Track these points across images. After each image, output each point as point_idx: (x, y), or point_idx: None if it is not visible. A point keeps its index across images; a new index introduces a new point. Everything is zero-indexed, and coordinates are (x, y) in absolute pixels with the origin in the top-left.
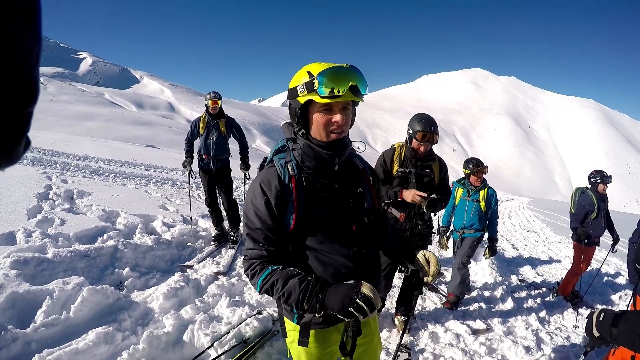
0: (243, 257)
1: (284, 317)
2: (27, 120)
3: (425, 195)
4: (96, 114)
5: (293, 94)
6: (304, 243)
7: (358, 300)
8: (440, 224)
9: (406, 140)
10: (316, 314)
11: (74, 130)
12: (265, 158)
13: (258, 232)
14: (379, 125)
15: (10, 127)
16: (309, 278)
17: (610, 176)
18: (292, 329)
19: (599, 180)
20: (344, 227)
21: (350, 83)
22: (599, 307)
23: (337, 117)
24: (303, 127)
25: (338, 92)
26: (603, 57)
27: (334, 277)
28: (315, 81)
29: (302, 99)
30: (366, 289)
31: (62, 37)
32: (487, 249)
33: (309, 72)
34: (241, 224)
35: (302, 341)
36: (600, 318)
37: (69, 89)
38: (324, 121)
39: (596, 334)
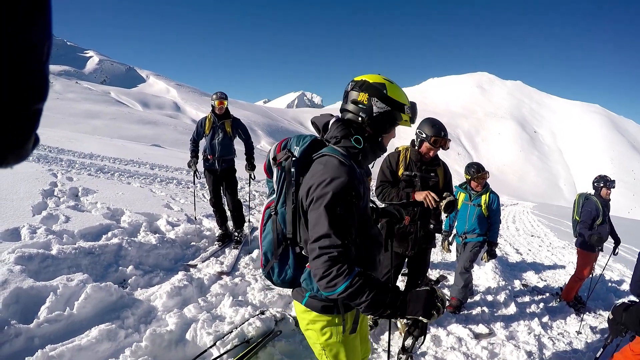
0: (321, 255)
1: (317, 319)
2: (36, 117)
3: (437, 198)
4: (102, 113)
5: (399, 107)
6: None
7: (438, 304)
8: (443, 227)
9: (412, 143)
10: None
11: (80, 128)
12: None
13: (346, 229)
14: None
15: (19, 124)
16: (387, 286)
17: (614, 181)
18: (329, 323)
19: (602, 185)
20: (371, 217)
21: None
22: (602, 313)
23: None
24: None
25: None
26: (609, 62)
27: (370, 259)
28: (409, 112)
29: (405, 117)
30: (440, 293)
31: (69, 36)
32: (486, 253)
33: (405, 98)
34: (245, 224)
35: (354, 327)
36: (617, 305)
37: (75, 87)
38: (392, 135)
39: (610, 316)
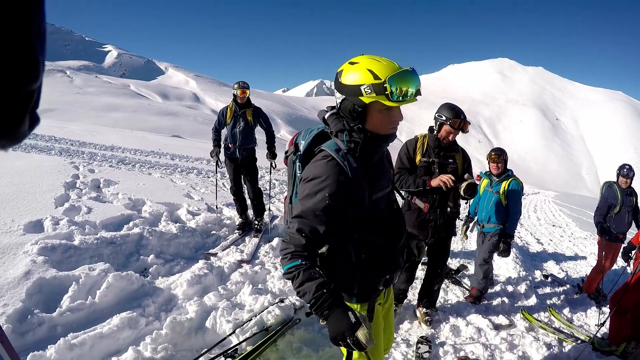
0: (285, 236)
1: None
2: (29, 99)
3: (453, 179)
4: (122, 105)
5: (354, 91)
6: (366, 227)
7: (348, 341)
8: (468, 214)
9: (430, 129)
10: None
11: (101, 122)
12: (312, 148)
13: (313, 222)
14: (404, 116)
15: (9, 106)
16: (325, 290)
17: (631, 169)
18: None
19: (618, 173)
20: (391, 207)
21: (417, 88)
22: None
23: (397, 116)
24: (361, 122)
25: (406, 96)
26: (633, 48)
27: (387, 250)
28: (387, 86)
29: (367, 99)
30: (362, 335)
31: (87, 31)
32: (501, 245)
33: (372, 73)
34: (265, 212)
35: (369, 317)
36: None
37: (95, 81)
38: (386, 119)
39: None
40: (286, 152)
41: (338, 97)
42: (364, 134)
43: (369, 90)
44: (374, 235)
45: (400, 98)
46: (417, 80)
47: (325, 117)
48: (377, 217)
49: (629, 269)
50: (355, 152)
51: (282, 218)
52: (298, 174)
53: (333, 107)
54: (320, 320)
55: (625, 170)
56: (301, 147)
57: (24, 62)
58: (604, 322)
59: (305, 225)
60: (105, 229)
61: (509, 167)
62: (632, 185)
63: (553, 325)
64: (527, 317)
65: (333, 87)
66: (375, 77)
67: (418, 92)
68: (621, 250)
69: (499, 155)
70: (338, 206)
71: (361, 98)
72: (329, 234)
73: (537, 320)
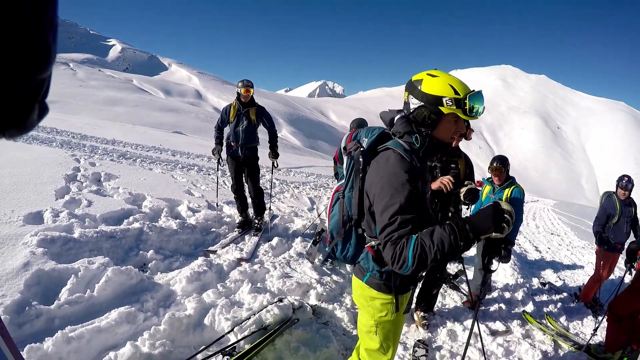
0: (386, 244)
1: (376, 297)
2: (39, 87)
3: (453, 181)
4: (124, 100)
5: (435, 101)
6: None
7: (506, 215)
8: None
9: None
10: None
11: (103, 115)
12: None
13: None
14: None
15: (19, 94)
16: (447, 223)
17: (629, 181)
18: (387, 302)
19: (617, 184)
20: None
21: (483, 107)
22: None
23: (461, 129)
24: (431, 129)
25: (477, 113)
26: (635, 58)
27: None
28: (467, 102)
29: (446, 110)
30: (505, 205)
31: (92, 25)
32: (501, 250)
33: (453, 88)
34: (266, 212)
35: (407, 308)
36: None
37: (98, 74)
38: (453, 129)
39: None
40: (344, 147)
41: (414, 104)
42: (429, 139)
43: (450, 103)
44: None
45: (472, 114)
46: (483, 101)
47: (395, 118)
48: (421, 216)
49: (629, 277)
50: (418, 154)
51: (281, 217)
52: (360, 168)
53: (400, 110)
54: (472, 241)
55: (624, 182)
56: (365, 144)
57: (37, 50)
58: (596, 328)
59: (401, 223)
60: (105, 223)
61: (510, 174)
62: (631, 196)
63: (552, 331)
64: (528, 319)
65: (406, 93)
66: (456, 92)
67: (483, 111)
68: (625, 255)
69: (501, 169)
70: (417, 197)
71: (441, 108)
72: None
73: (538, 322)
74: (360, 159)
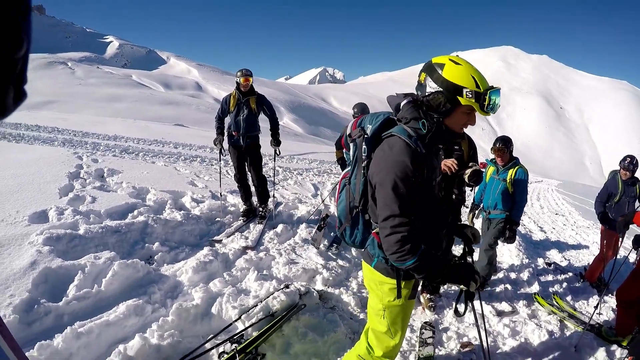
0: (393, 234)
1: (385, 281)
2: (12, 68)
3: (457, 165)
4: (124, 96)
5: (455, 89)
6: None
7: (476, 276)
8: (474, 200)
9: None
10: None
11: (103, 112)
12: (382, 132)
13: (411, 207)
14: None
15: None
16: (441, 259)
17: (631, 161)
18: (395, 287)
19: (619, 164)
20: (438, 196)
21: (499, 105)
22: None
23: (472, 122)
24: (443, 116)
25: (492, 109)
26: (638, 37)
27: (437, 236)
28: (487, 97)
29: (464, 101)
30: (479, 269)
31: (88, 23)
32: (506, 231)
33: (475, 81)
34: (270, 199)
35: (413, 293)
36: None
37: (97, 72)
38: (465, 120)
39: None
40: (349, 135)
41: (432, 87)
42: (438, 126)
43: (470, 95)
44: (426, 224)
45: (488, 109)
46: (499, 99)
47: (402, 104)
48: (429, 203)
49: (633, 256)
50: (424, 140)
51: (285, 204)
52: (363, 156)
53: (407, 95)
54: (446, 282)
55: (625, 162)
56: (369, 131)
57: (4, 27)
58: (597, 305)
59: (407, 212)
60: (110, 218)
61: (513, 155)
62: (635, 176)
63: (563, 313)
64: (539, 301)
65: (424, 74)
66: (477, 85)
67: (498, 108)
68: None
69: (503, 150)
70: (417, 184)
71: (459, 98)
72: (419, 209)
73: (550, 303)
74: (364, 146)
